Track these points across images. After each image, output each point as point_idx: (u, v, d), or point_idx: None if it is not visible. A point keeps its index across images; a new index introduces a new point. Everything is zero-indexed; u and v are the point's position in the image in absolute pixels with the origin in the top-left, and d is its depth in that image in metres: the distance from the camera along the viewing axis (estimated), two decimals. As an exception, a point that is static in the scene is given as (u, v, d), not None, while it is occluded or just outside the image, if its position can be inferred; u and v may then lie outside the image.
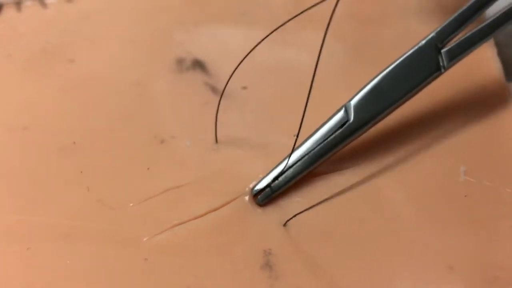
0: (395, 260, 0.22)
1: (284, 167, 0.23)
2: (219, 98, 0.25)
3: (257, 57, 0.28)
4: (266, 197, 0.23)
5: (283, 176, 0.23)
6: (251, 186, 0.24)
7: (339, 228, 0.23)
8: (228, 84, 0.26)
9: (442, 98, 0.27)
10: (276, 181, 0.23)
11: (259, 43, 0.22)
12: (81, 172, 0.24)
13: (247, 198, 0.23)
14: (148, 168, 0.24)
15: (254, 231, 0.23)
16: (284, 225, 0.23)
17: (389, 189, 0.24)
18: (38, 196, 0.24)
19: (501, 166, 0.25)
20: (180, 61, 0.28)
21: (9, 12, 0.30)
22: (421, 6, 0.31)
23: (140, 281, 0.22)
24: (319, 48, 0.29)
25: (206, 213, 0.23)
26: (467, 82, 0.27)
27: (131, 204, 0.23)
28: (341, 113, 0.23)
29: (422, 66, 0.23)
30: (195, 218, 0.23)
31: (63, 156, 0.25)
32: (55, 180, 0.24)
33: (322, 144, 0.23)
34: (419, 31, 0.29)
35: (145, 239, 0.22)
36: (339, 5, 0.31)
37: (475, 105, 0.26)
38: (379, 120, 0.24)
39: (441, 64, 0.23)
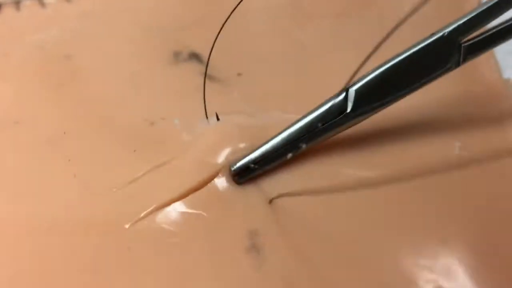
0: (385, 237, 0.22)
1: (267, 148, 0.22)
2: (214, 84, 0.24)
3: (252, 45, 0.28)
4: (245, 177, 0.22)
5: (265, 156, 0.22)
6: (230, 164, 0.23)
7: (327, 205, 0.22)
8: (223, 71, 0.26)
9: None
10: (258, 161, 0.22)
11: (232, 11, 0.22)
12: (69, 160, 0.24)
13: (226, 175, 0.22)
14: (134, 150, 0.24)
15: (238, 210, 0.22)
16: (270, 202, 0.22)
17: (381, 167, 0.23)
18: (25, 187, 0.23)
19: (494, 142, 0.24)
20: (176, 54, 0.28)
21: (8, 11, 0.30)
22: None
23: (126, 271, 0.21)
24: (314, 37, 0.29)
25: (188, 193, 0.22)
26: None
27: (115, 189, 0.22)
28: (340, 98, 0.22)
29: (439, 58, 0.21)
30: (178, 199, 0.22)
31: (52, 146, 0.24)
32: (42, 171, 0.24)
33: (314, 131, 0.22)
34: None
35: (127, 226, 0.22)
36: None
37: (470, 92, 0.26)
38: (379, 111, 0.22)
39: (458, 58, 0.22)
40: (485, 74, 0.27)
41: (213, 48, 0.26)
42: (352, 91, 0.21)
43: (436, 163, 0.23)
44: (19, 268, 0.21)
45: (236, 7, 0.21)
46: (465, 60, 0.22)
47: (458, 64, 0.22)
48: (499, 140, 0.24)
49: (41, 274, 0.21)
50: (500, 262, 0.21)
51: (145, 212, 0.22)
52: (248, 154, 0.22)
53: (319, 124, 0.22)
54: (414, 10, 0.18)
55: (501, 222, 0.22)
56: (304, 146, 0.22)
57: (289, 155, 0.22)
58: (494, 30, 0.22)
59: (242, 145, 0.23)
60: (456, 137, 0.24)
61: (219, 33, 0.22)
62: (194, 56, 0.28)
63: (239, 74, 0.27)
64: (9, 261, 0.21)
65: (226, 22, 0.28)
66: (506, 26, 0.22)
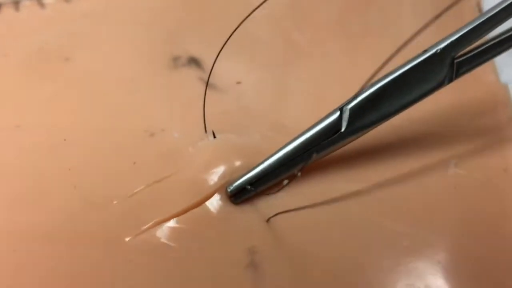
0: (382, 253, 0.22)
1: (263, 169, 0.22)
2: (213, 92, 0.24)
3: (253, 53, 0.28)
4: (241, 197, 0.22)
5: (262, 177, 0.22)
6: (227, 184, 0.23)
7: (324, 221, 0.22)
8: (222, 79, 0.26)
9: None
10: (254, 182, 0.22)
11: (240, 23, 0.22)
12: (69, 169, 0.24)
13: (223, 195, 0.23)
14: (134, 163, 0.24)
15: (236, 229, 0.22)
16: (267, 221, 0.22)
17: (376, 183, 0.23)
18: (25, 195, 0.23)
19: (489, 159, 0.24)
20: (176, 59, 0.28)
21: (7, 11, 0.30)
22: (415, 11, 0.31)
23: (126, 283, 0.21)
24: (315, 47, 0.29)
25: (186, 210, 0.22)
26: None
27: (115, 202, 0.22)
28: (334, 116, 0.21)
29: (432, 74, 0.22)
30: (176, 215, 0.22)
31: (53, 153, 0.24)
32: (43, 179, 0.24)
33: (309, 151, 0.22)
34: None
35: (127, 239, 0.22)
36: (332, 8, 0.30)
37: (466, 100, 0.26)
38: (373, 129, 0.22)
39: (451, 74, 0.22)
40: (481, 75, 0.27)
41: (214, 57, 0.27)
42: (346, 109, 0.21)
43: (431, 178, 0.23)
44: (16, 279, 0.21)
45: (243, 21, 0.21)
46: (458, 75, 0.22)
47: (451, 80, 0.22)
48: (495, 154, 0.24)
49: (39, 285, 0.21)
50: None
51: (145, 227, 0.22)
52: (244, 176, 0.22)
53: (314, 144, 0.22)
54: (434, 19, 0.18)
55: (495, 241, 0.22)
56: (299, 165, 0.22)
57: (285, 182, 0.22)
58: (486, 45, 0.22)
59: (238, 163, 0.23)
60: (451, 153, 0.24)
61: (224, 44, 0.22)
62: (193, 61, 0.28)
63: (238, 83, 0.27)
64: (6, 271, 0.21)
65: (227, 29, 0.28)
66: (498, 41, 0.22)
